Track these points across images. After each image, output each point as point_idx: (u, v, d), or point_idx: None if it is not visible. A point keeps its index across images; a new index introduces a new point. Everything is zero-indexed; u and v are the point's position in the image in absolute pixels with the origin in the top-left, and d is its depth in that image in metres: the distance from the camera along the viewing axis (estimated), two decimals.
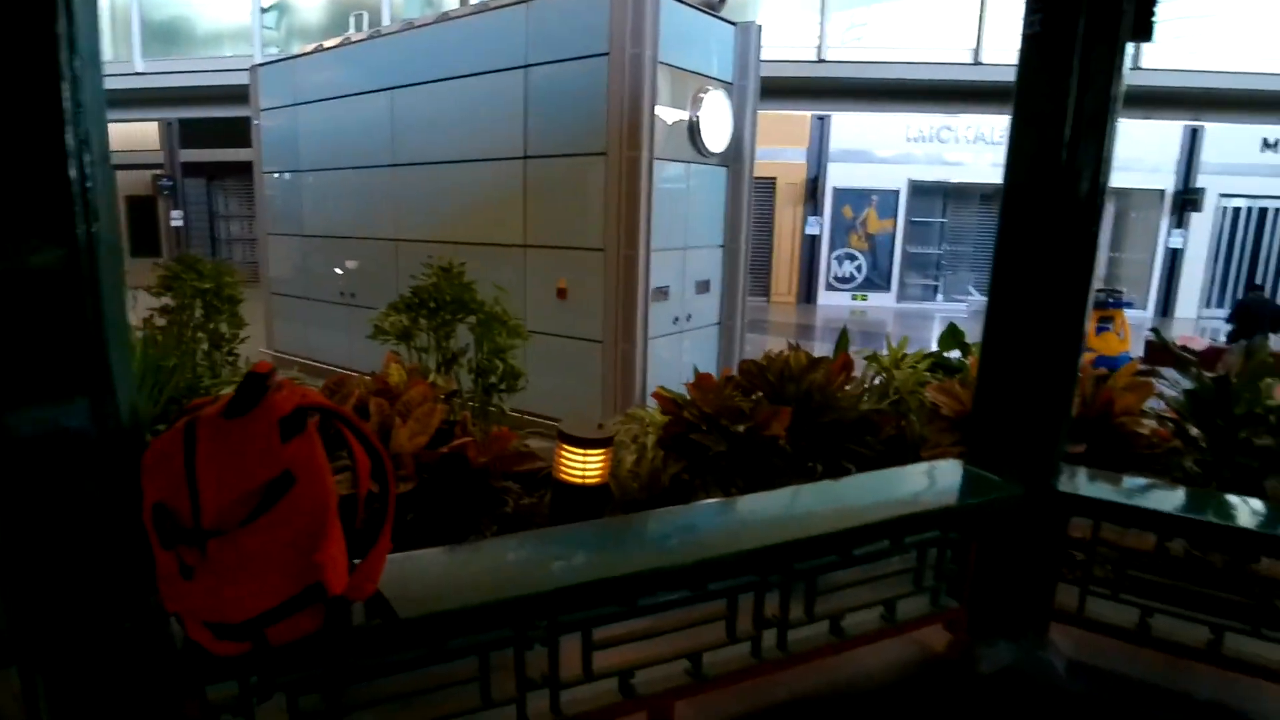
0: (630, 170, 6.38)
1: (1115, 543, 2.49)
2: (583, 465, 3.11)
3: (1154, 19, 1.93)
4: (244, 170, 13.37)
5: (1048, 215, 2.16)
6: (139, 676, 1.39)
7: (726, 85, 7.35)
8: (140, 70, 18.59)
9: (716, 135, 7.24)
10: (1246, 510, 2.34)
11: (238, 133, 13.06)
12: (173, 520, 1.23)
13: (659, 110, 6.53)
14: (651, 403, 3.69)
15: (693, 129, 6.99)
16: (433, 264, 4.05)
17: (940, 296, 19.44)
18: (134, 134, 20.66)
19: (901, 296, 19.54)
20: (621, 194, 6.45)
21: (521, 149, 7.17)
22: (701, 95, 7.01)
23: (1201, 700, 2.31)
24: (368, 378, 3.02)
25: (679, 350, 7.47)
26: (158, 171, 22.14)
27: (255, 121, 10.16)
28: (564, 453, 3.15)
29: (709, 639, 2.10)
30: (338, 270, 9.17)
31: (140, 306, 4.88)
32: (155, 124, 21.21)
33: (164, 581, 1.28)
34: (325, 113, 9.02)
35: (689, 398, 3.10)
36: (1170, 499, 2.43)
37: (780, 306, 19.04)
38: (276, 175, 10.11)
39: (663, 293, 7.04)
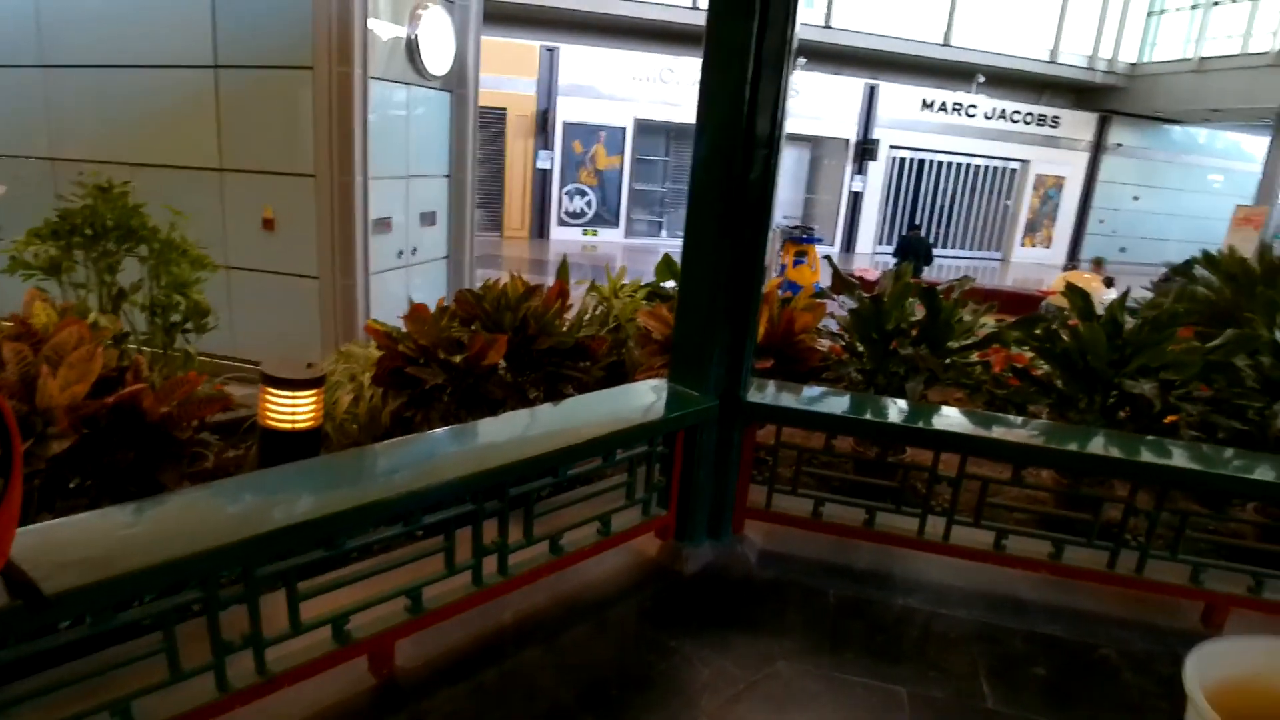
0: (342, 88, 5.82)
1: (794, 444, 2.84)
2: (291, 409, 2.87)
3: None
4: None
5: (733, 151, 2.33)
6: None
7: (447, 3, 6.94)
8: None
9: (438, 56, 6.84)
10: (894, 409, 2.77)
11: None
12: None
13: (373, 24, 6.00)
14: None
15: (411, 47, 6.54)
16: (85, 182, 3.38)
17: (665, 233, 20.46)
18: None
19: (630, 232, 20.28)
20: (333, 114, 5.88)
21: (210, 56, 6.23)
22: (420, 11, 6.55)
23: (860, 569, 2.74)
24: (5, 322, 2.52)
25: (405, 286, 7.11)
26: None
27: None
28: (269, 396, 2.89)
29: (428, 572, 2.07)
30: None
31: None
32: None
33: None
34: None
35: (404, 330, 2.97)
36: (837, 404, 2.81)
37: (513, 241, 18.87)
38: None
39: (384, 224, 6.61)
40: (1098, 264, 12.44)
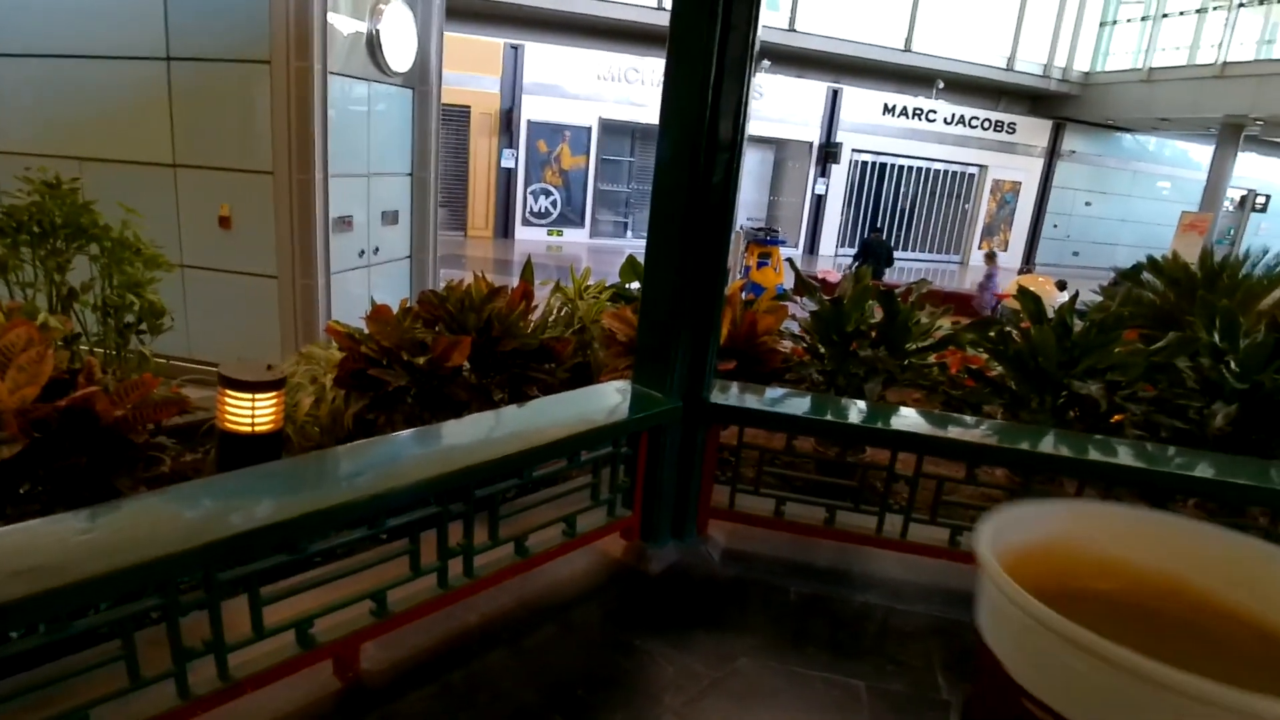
0: (300, 83, 5.73)
1: (757, 445, 2.88)
2: (250, 411, 2.84)
3: None
4: None
5: (695, 154, 2.35)
6: None
7: None
8: None
9: (399, 52, 6.77)
10: (854, 410, 2.82)
11: None
12: None
13: (332, 18, 5.92)
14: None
15: (372, 43, 6.46)
16: (33, 178, 3.29)
17: (630, 233, 20.51)
18: None
19: (595, 233, 20.27)
20: (291, 110, 5.79)
21: (163, 48, 6.09)
22: (381, 6, 6.48)
23: (820, 567, 2.79)
24: None
25: (367, 286, 7.04)
26: None
27: None
28: (228, 398, 2.84)
29: (393, 575, 2.07)
30: None
31: None
32: None
33: None
34: None
35: (367, 331, 2.95)
36: (798, 404, 2.86)
37: (477, 241, 18.75)
38: None
39: (345, 223, 6.53)
40: (990, 258, 12.82)
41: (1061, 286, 10.91)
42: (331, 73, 5.96)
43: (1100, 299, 5.00)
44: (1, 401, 2.07)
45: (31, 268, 3.29)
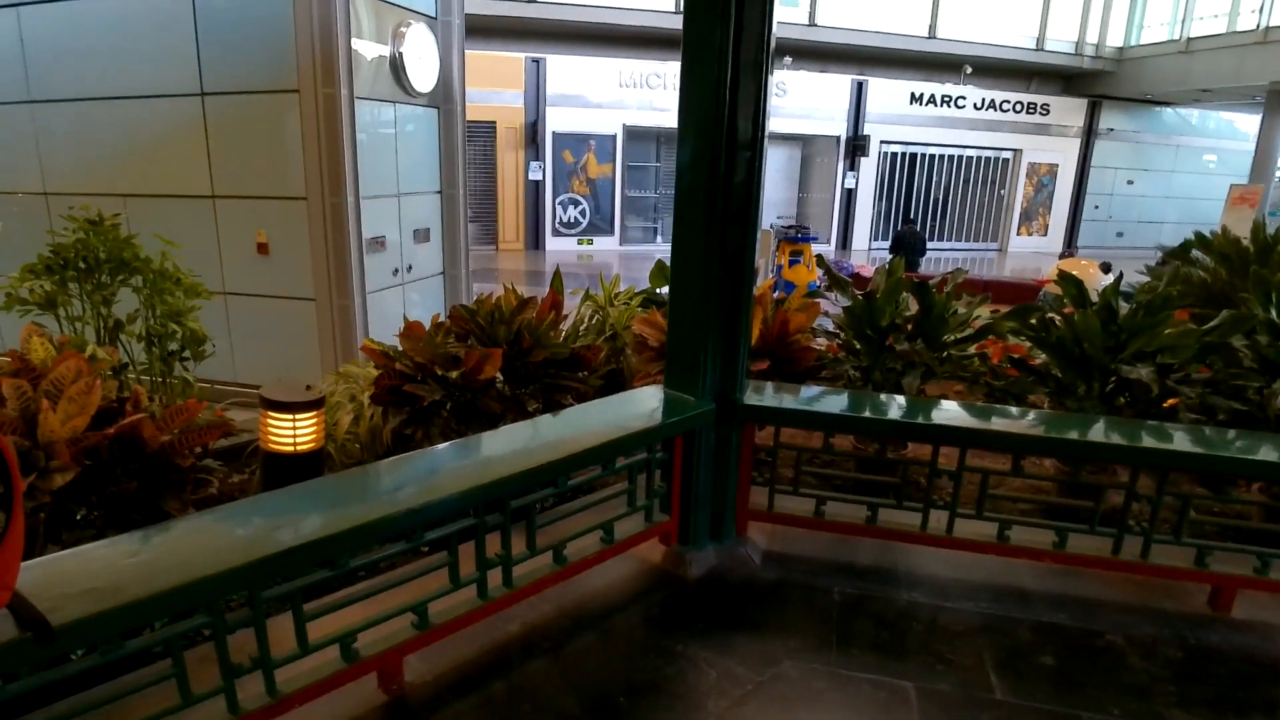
0: (328, 110, 5.85)
1: (793, 444, 2.84)
2: (292, 431, 2.88)
3: None
4: None
5: (715, 154, 2.34)
6: None
7: (430, 20, 6.97)
8: None
9: (423, 73, 6.87)
10: (892, 405, 2.77)
11: None
12: None
13: (356, 45, 6.04)
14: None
15: (396, 66, 6.57)
16: (76, 216, 3.41)
17: (660, 238, 20.49)
18: None
19: (624, 240, 20.32)
20: (321, 136, 5.91)
21: (197, 85, 6.27)
22: (403, 29, 6.59)
23: (864, 566, 2.74)
24: (4, 358, 2.53)
25: (402, 303, 7.14)
26: None
27: None
28: (269, 420, 2.89)
29: (433, 587, 2.08)
30: None
31: None
32: None
33: None
34: None
35: (400, 348, 2.98)
36: (835, 402, 2.82)
37: (509, 254, 18.91)
38: None
39: (378, 243, 6.63)
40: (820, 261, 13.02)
41: (1106, 269, 10.59)
42: (358, 97, 6.08)
43: (1147, 280, 4.85)
44: (54, 432, 2.13)
45: (79, 302, 3.41)
